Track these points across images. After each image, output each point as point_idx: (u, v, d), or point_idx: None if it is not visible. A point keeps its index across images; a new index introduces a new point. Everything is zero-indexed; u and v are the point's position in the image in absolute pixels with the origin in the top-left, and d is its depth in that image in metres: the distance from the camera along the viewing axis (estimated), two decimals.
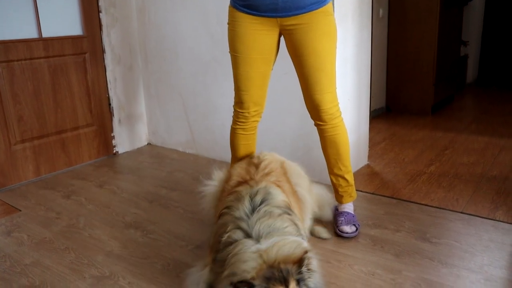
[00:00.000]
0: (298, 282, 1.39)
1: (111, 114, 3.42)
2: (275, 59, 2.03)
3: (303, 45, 1.87)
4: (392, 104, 4.72)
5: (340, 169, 2.05)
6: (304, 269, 1.40)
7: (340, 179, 2.08)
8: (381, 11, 4.35)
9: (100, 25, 3.26)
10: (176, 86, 3.38)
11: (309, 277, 1.43)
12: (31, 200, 2.66)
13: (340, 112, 2.02)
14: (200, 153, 3.39)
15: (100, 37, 3.27)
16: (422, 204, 2.40)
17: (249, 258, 1.39)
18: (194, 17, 3.11)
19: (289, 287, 1.35)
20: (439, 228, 2.13)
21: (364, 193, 2.57)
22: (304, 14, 1.83)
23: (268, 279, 1.34)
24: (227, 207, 1.67)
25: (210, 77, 3.14)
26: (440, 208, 2.35)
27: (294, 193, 1.92)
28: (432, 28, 4.33)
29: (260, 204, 1.61)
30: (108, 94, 3.38)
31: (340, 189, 2.10)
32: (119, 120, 3.48)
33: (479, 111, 4.74)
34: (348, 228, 2.04)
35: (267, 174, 1.84)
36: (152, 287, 1.74)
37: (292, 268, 1.38)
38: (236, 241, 1.50)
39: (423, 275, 1.75)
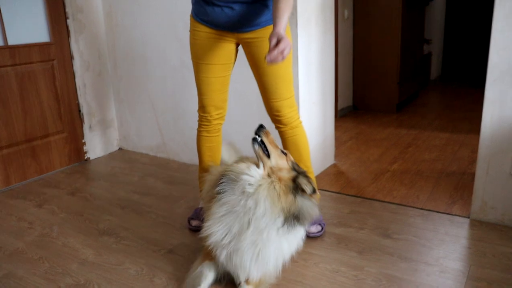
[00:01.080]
0: None
1: (81, 120, 3.43)
2: (234, 64, 2.13)
3: (261, 56, 1.97)
4: (359, 102, 4.87)
5: None
6: None
7: None
8: (346, 12, 4.47)
9: (68, 32, 3.26)
10: (146, 91, 3.42)
11: None
12: (2, 210, 2.67)
13: (299, 115, 2.12)
14: (171, 157, 3.44)
15: (68, 43, 3.28)
16: (385, 202, 2.53)
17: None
18: (161, 21, 3.15)
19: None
20: (399, 224, 2.25)
21: (330, 193, 2.68)
22: (260, 29, 1.94)
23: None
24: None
25: (179, 81, 3.19)
26: (402, 204, 2.48)
27: None
28: (395, 28, 4.48)
29: None
30: (78, 101, 3.39)
31: None
32: (90, 126, 3.49)
33: (442, 107, 4.94)
34: (313, 228, 2.13)
35: None
36: None
37: None
38: None
39: (384, 270, 1.86)
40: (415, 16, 4.93)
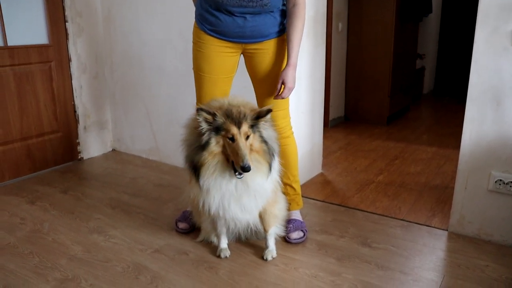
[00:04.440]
0: (252, 127, 1.73)
1: (76, 121, 3.51)
2: (234, 76, 2.20)
3: (262, 68, 2.06)
4: (350, 113, 4.96)
5: (289, 178, 2.23)
6: (262, 120, 1.75)
7: (288, 187, 2.25)
8: (340, 25, 4.58)
9: (67, 34, 3.34)
10: (141, 95, 3.50)
11: (264, 128, 1.78)
12: None
13: (291, 126, 2.20)
14: (163, 160, 3.51)
15: (66, 46, 3.35)
16: (368, 212, 2.61)
17: (218, 101, 1.80)
18: (158, 29, 3.24)
19: (241, 128, 1.69)
20: (379, 234, 2.33)
21: (315, 201, 2.76)
22: (266, 41, 2.02)
23: (226, 116, 1.69)
24: None
25: (174, 87, 3.27)
26: (384, 215, 2.56)
27: None
28: (388, 42, 4.58)
29: None
30: (74, 102, 3.47)
31: (288, 197, 2.27)
32: (84, 127, 3.56)
33: (432, 121, 5.04)
34: (295, 235, 2.21)
35: None
36: None
37: (250, 114, 1.72)
38: None
39: (360, 277, 1.94)
40: (409, 31, 5.03)
